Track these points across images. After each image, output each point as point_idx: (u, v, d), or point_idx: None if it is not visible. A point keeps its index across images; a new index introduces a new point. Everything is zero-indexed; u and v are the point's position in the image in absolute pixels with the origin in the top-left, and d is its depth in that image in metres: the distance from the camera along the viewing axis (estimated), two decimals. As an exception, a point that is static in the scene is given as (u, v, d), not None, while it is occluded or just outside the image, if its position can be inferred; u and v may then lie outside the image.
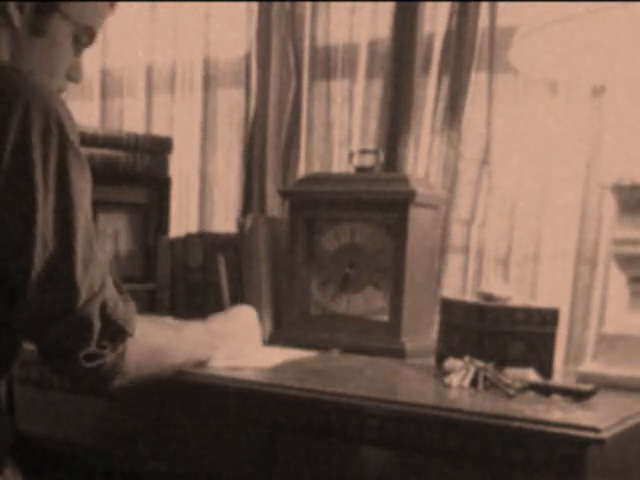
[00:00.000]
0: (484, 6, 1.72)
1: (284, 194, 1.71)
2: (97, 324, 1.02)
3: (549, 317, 1.31)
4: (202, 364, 1.27)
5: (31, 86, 1.00)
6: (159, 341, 1.16)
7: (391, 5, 1.83)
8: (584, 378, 1.27)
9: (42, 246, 0.99)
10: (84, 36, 1.18)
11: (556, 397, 1.13)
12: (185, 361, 1.22)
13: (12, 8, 1.10)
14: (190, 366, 1.24)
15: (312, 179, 1.67)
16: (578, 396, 1.12)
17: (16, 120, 0.97)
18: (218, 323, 1.35)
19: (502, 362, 1.24)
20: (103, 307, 1.03)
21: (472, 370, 1.20)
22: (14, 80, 1.00)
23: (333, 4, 1.93)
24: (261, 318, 1.64)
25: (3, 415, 1.12)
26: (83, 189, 1.03)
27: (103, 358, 1.04)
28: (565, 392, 1.13)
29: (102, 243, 1.78)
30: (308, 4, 1.97)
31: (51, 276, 1.00)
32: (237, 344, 1.35)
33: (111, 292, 1.06)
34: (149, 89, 2.27)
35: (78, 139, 1.03)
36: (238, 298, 1.65)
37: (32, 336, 1.05)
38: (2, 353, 1.09)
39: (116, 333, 1.05)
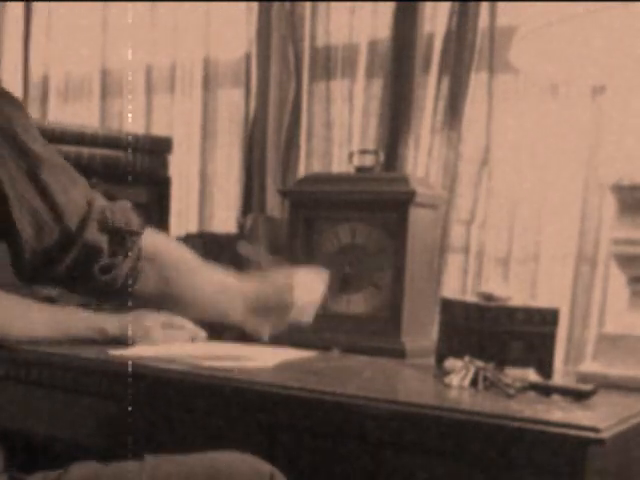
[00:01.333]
0: (484, 6, 1.72)
1: (284, 194, 1.71)
2: (104, 240, 1.05)
3: (549, 317, 1.31)
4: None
5: None
6: (185, 256, 1.18)
7: (391, 5, 1.83)
8: (584, 378, 1.27)
9: (12, 192, 1.00)
10: None
11: (556, 397, 1.13)
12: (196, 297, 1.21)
13: None
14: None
15: (312, 179, 1.67)
16: (578, 396, 1.12)
17: None
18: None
19: (502, 362, 1.24)
20: (102, 220, 1.05)
21: (472, 370, 1.20)
22: None
23: (333, 4, 1.93)
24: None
25: None
26: (28, 127, 1.04)
27: (118, 266, 1.07)
28: (565, 392, 1.13)
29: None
30: (308, 4, 1.97)
31: (37, 217, 1.01)
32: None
33: (102, 202, 1.08)
34: (149, 89, 2.27)
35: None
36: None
37: (47, 277, 1.07)
38: None
39: (124, 237, 1.07)
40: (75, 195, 1.05)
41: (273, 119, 2.01)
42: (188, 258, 1.20)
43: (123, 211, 1.09)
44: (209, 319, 1.26)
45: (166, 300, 1.19)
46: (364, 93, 1.90)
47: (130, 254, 1.08)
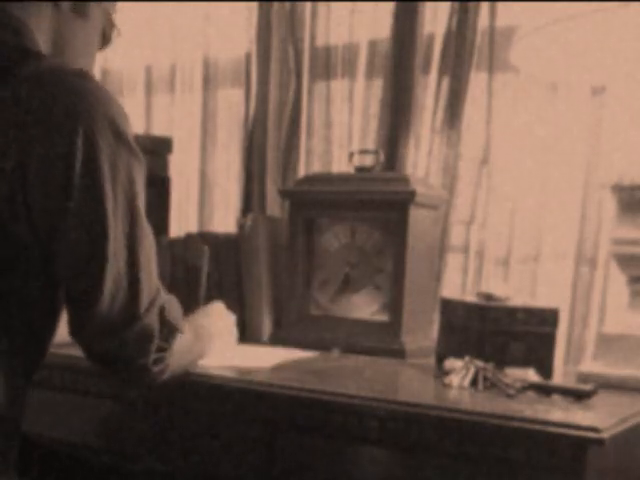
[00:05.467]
0: (484, 6, 1.72)
1: (284, 194, 1.71)
2: (157, 328, 1.04)
3: (549, 317, 1.31)
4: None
5: (95, 92, 0.98)
6: (187, 339, 1.17)
7: (391, 5, 1.83)
8: (584, 378, 1.27)
9: (113, 260, 0.99)
10: (108, 30, 1.20)
11: (556, 397, 1.13)
12: (194, 360, 1.24)
13: None
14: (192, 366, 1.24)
15: (312, 179, 1.67)
16: (578, 396, 1.12)
17: (83, 132, 0.95)
18: (205, 322, 1.33)
19: (502, 362, 1.24)
20: (161, 311, 1.05)
21: (472, 370, 1.20)
22: (78, 88, 0.97)
23: (333, 4, 1.93)
24: (261, 318, 1.65)
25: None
26: (143, 193, 1.03)
27: (166, 360, 1.07)
28: (565, 392, 1.13)
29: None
30: (308, 4, 1.97)
31: (119, 288, 1.00)
32: (220, 343, 1.35)
33: (163, 292, 1.07)
34: (149, 89, 2.27)
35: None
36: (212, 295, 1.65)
37: (93, 346, 1.05)
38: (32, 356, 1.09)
39: (170, 333, 1.07)
40: (152, 276, 1.04)
41: (273, 119, 2.01)
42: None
43: (176, 308, 1.09)
44: None
45: None
46: (364, 93, 1.90)
47: (172, 349, 1.08)
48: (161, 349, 1.06)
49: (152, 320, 1.03)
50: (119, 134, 0.98)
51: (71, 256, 0.99)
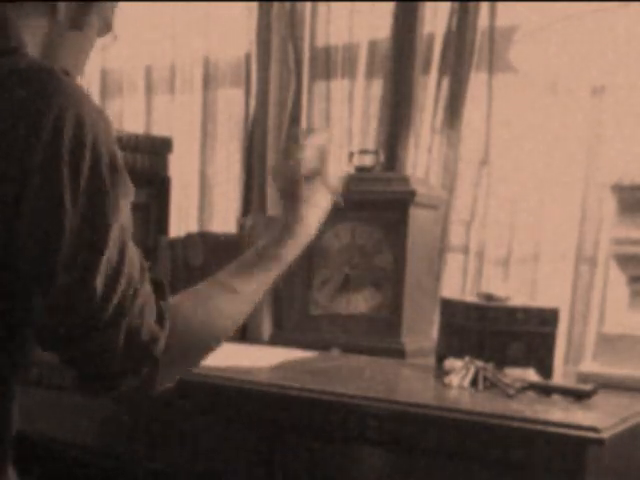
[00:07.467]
0: (484, 6, 1.72)
1: (284, 194, 1.70)
2: (120, 346, 0.92)
3: (549, 317, 1.31)
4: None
5: (65, 91, 0.94)
6: (200, 318, 1.03)
7: (391, 5, 1.83)
8: (584, 378, 1.27)
9: (65, 272, 0.90)
10: (104, 32, 1.19)
11: (556, 397, 1.13)
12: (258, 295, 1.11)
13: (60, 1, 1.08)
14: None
15: (312, 179, 1.67)
16: (578, 396, 1.12)
17: (48, 129, 0.90)
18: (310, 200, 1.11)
19: (502, 362, 1.24)
20: (129, 331, 0.93)
21: (472, 370, 1.20)
22: (48, 84, 0.93)
23: (333, 4, 1.93)
24: (261, 318, 1.65)
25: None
26: (118, 204, 0.96)
27: (123, 385, 0.97)
28: (565, 392, 1.13)
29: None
30: (308, 4, 1.97)
31: (70, 301, 0.91)
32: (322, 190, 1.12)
33: (144, 297, 0.95)
34: (149, 89, 2.27)
35: (115, 144, 0.96)
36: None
37: (59, 353, 0.99)
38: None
39: (141, 357, 0.95)
40: (122, 288, 0.92)
41: (273, 119, 2.01)
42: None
43: (150, 326, 0.94)
44: None
45: None
46: (364, 93, 1.90)
47: (140, 374, 0.96)
48: (123, 371, 0.95)
49: (113, 335, 0.92)
50: (83, 139, 0.92)
51: (28, 243, 0.91)
